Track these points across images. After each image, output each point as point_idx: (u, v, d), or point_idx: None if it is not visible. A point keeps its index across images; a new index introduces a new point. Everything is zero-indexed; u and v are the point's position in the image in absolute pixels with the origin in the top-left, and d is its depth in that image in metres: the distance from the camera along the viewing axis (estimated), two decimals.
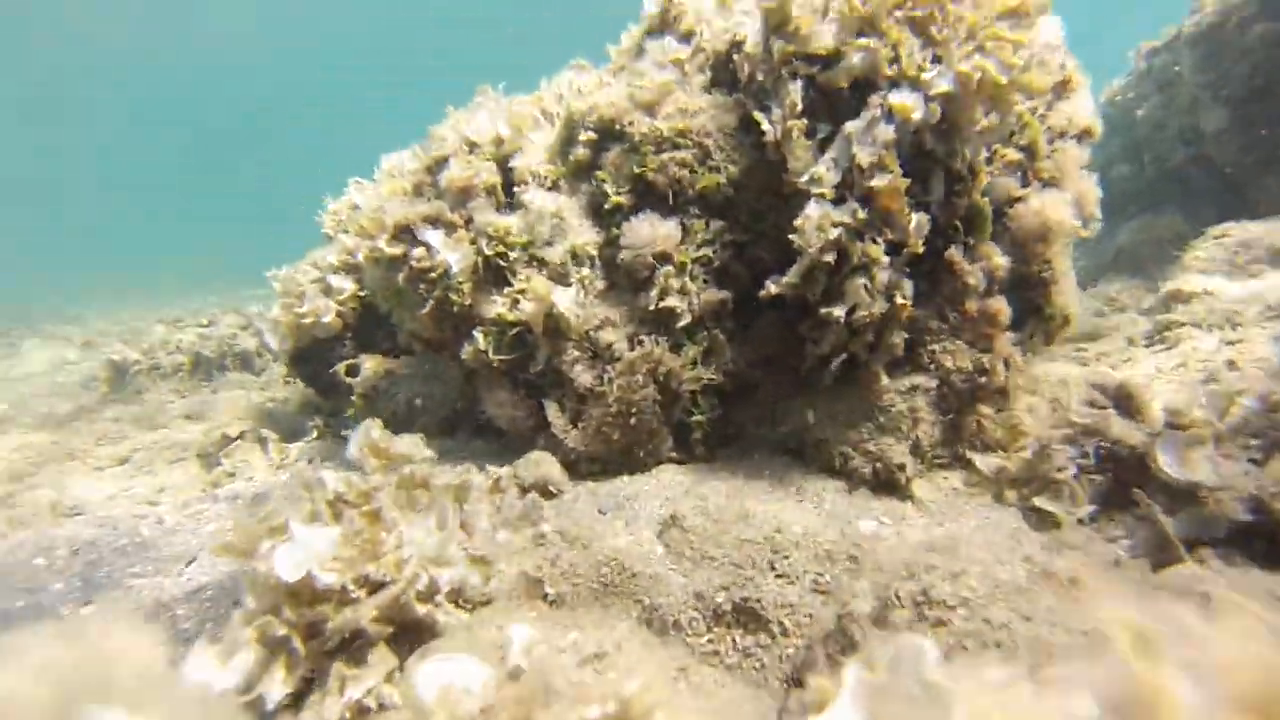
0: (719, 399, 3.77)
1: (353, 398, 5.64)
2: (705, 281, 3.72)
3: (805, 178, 3.22)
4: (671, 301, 3.56)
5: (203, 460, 5.89)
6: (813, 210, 3.13)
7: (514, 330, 3.68)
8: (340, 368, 5.55)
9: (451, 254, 3.64)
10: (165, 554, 3.41)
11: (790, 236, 3.37)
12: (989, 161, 3.70)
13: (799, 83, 3.26)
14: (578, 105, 3.85)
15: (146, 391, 9.12)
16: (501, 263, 3.72)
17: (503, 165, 4.01)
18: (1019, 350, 3.70)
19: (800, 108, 3.21)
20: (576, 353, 3.68)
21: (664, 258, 3.60)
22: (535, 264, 3.76)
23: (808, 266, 3.20)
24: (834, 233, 3.09)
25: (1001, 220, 3.78)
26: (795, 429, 3.72)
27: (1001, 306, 3.50)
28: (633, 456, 3.68)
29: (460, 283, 3.70)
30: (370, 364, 5.74)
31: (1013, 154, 3.82)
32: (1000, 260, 3.50)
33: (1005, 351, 3.52)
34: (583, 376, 3.67)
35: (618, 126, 3.75)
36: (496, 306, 3.70)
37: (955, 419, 3.49)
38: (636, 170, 3.68)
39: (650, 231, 3.60)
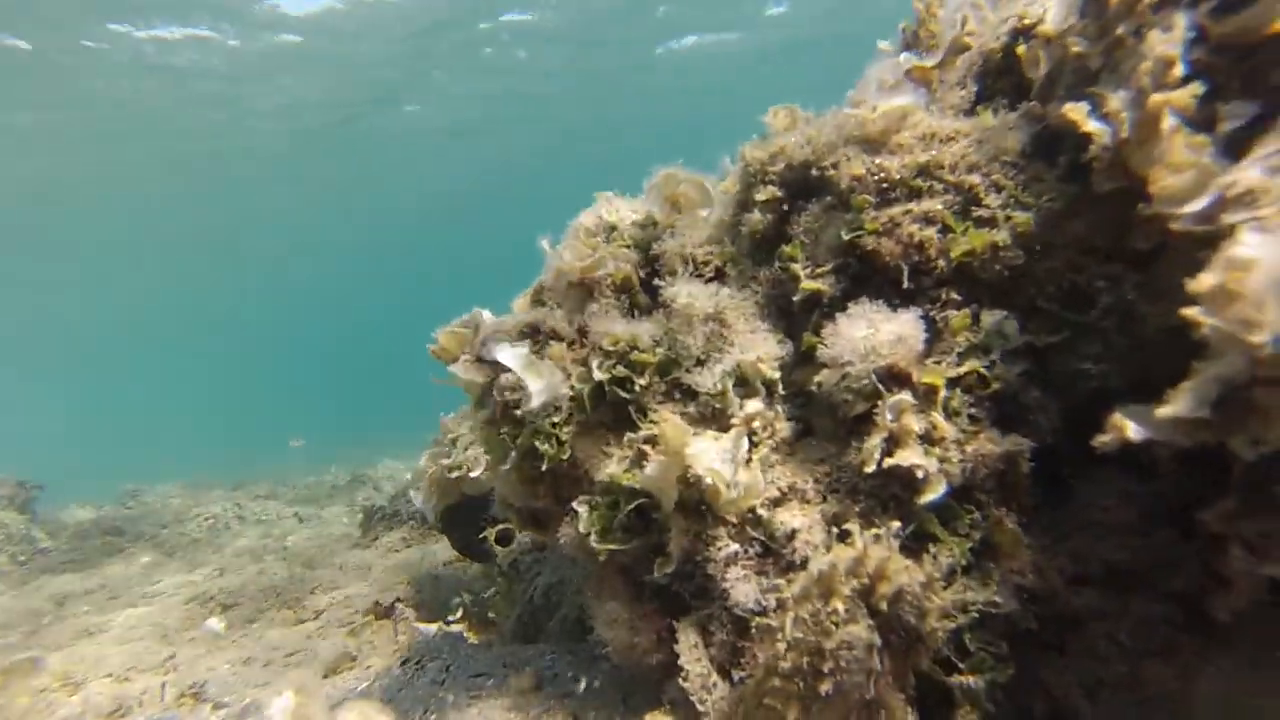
0: (1010, 646, 2.15)
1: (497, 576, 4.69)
2: (975, 420, 2.22)
3: (1198, 205, 1.71)
4: (909, 458, 2.10)
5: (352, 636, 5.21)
6: (1244, 251, 1.57)
7: (633, 504, 2.42)
8: (490, 534, 4.65)
9: (535, 381, 2.53)
10: None
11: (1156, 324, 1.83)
12: None
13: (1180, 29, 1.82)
14: (756, 153, 2.70)
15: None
16: (623, 394, 2.53)
17: (649, 255, 2.92)
18: None
19: (1177, 74, 1.75)
20: (733, 544, 2.28)
21: (896, 377, 2.18)
22: (678, 396, 2.52)
23: (1223, 383, 1.61)
24: None
25: None
26: None
27: None
28: None
29: (554, 425, 2.56)
30: (531, 533, 4.82)
31: None
32: None
33: None
34: (742, 589, 2.26)
35: (815, 172, 2.51)
36: (610, 465, 2.49)
37: None
38: (847, 236, 2.37)
39: (868, 333, 2.23)
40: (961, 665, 2.10)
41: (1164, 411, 1.70)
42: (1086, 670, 2.11)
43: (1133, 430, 1.75)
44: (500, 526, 4.56)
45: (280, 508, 11.87)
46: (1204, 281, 1.59)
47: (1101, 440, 1.81)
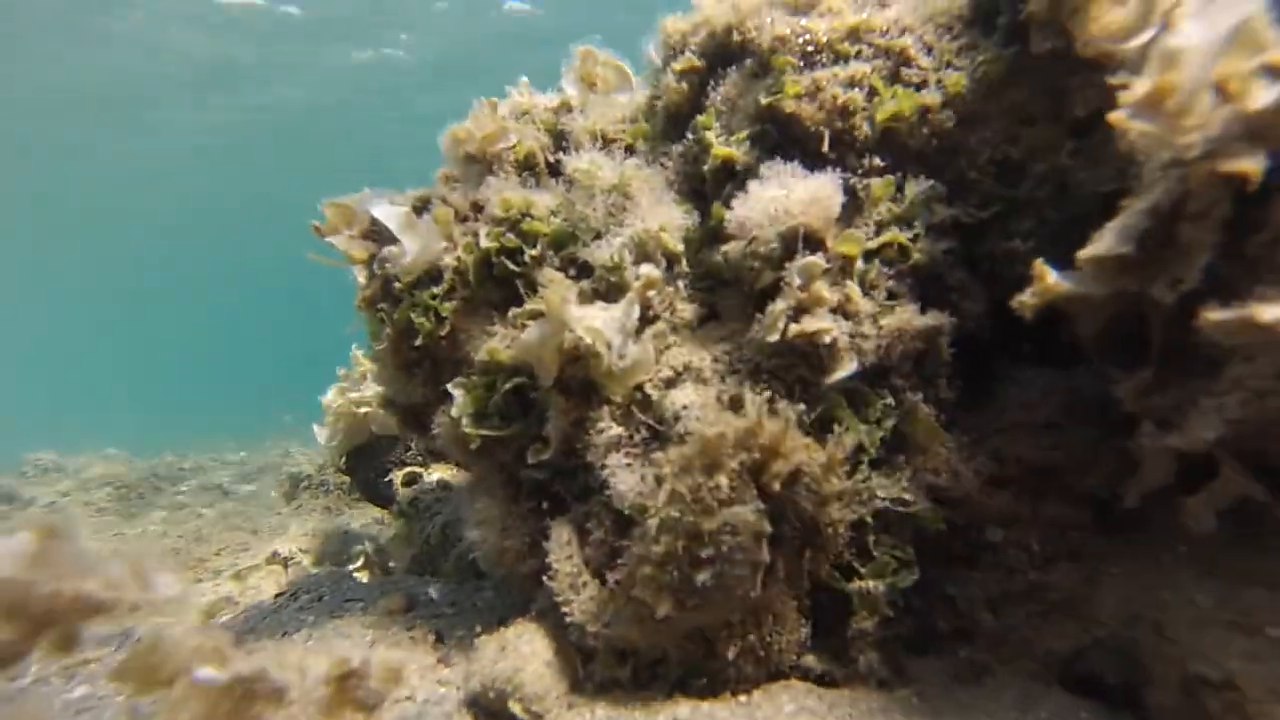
0: (916, 549, 1.87)
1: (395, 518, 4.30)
2: (893, 296, 1.95)
3: (1142, 37, 1.47)
4: (817, 324, 1.83)
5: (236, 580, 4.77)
6: (1177, 40, 1.33)
7: (511, 383, 2.10)
8: (397, 478, 4.26)
9: (411, 241, 2.19)
10: None
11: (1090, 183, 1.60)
12: None
13: None
14: (678, 25, 2.43)
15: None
16: (512, 266, 2.22)
17: (558, 137, 2.63)
18: None
19: None
20: (616, 428, 1.99)
21: (808, 241, 1.91)
22: (573, 273, 2.22)
23: (1150, 216, 1.37)
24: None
25: None
26: (1105, 628, 1.71)
27: None
28: (712, 656, 1.84)
29: (434, 298, 2.23)
30: (438, 472, 4.45)
31: None
32: None
33: None
34: (623, 479, 1.96)
35: (737, 36, 2.25)
36: (492, 342, 2.17)
37: None
38: (765, 100, 2.10)
39: (780, 194, 1.96)
40: (862, 570, 1.82)
41: (1088, 252, 1.45)
42: (993, 582, 1.85)
43: (1053, 278, 1.49)
44: (408, 470, 4.20)
45: (206, 479, 11.24)
46: (1136, 89, 1.35)
47: (1022, 300, 1.56)
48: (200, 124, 22.13)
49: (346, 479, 5.63)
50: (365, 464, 4.27)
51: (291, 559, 4.44)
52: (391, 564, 4.20)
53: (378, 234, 2.41)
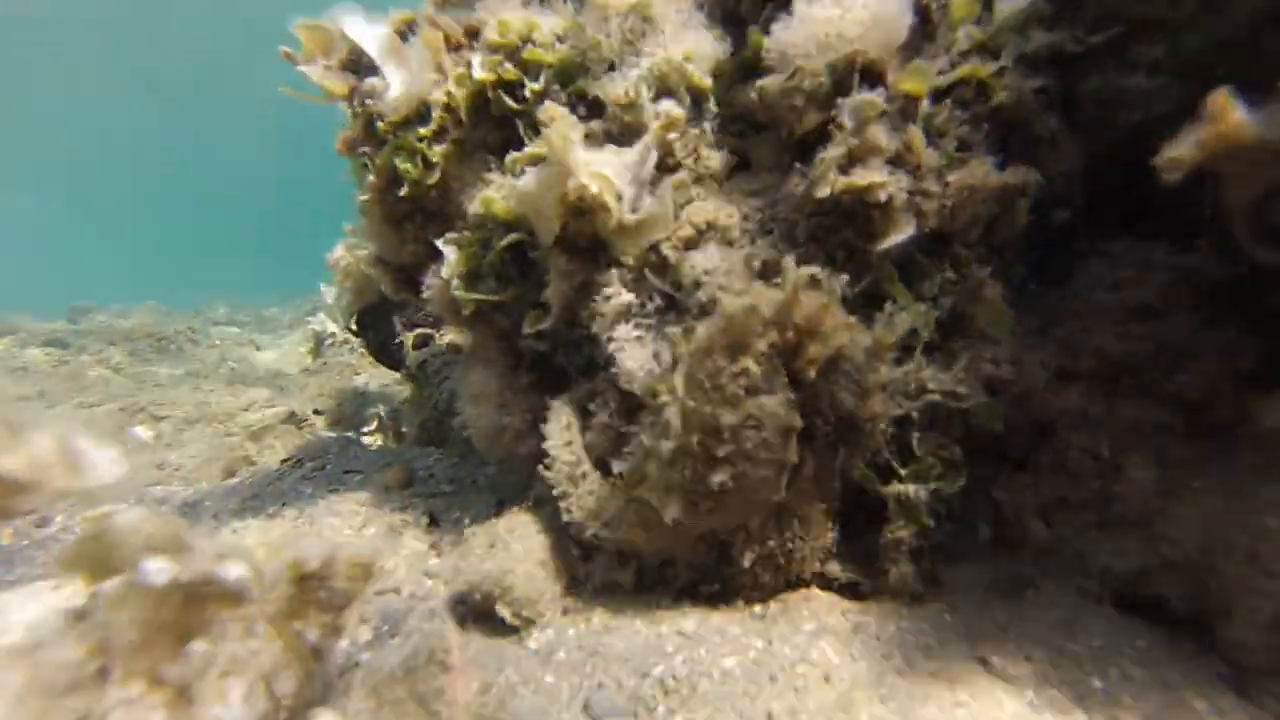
0: (964, 451, 1.60)
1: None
2: (965, 146, 1.58)
3: None
4: (870, 176, 1.47)
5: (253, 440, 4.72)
6: None
7: (509, 240, 1.79)
8: (407, 340, 4.03)
9: (394, 71, 1.82)
10: None
11: None
12: None
13: None
14: None
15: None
16: (511, 102, 1.86)
17: None
18: None
19: None
20: (626, 294, 1.69)
21: (864, 74, 1.52)
22: (582, 112, 1.85)
23: None
24: None
25: None
26: (1179, 549, 1.45)
27: None
28: (726, 562, 1.62)
29: (421, 139, 1.89)
30: (452, 335, 4.22)
31: None
32: None
33: None
34: (633, 354, 1.68)
35: None
36: (488, 191, 1.84)
37: None
38: None
39: (834, 15, 1.55)
40: (901, 472, 1.56)
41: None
42: (1049, 487, 1.57)
43: (1239, 115, 1.11)
44: (419, 331, 3.97)
45: (238, 334, 11.29)
46: None
47: (1175, 154, 1.18)
48: None
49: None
50: (376, 324, 4.04)
51: (305, 420, 4.33)
52: (404, 429, 4.06)
53: (359, 63, 2.04)
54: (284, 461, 3.11)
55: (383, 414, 4.21)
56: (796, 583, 1.64)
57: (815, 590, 1.63)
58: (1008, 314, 1.52)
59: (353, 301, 3.97)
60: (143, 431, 6.03)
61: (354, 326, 4.15)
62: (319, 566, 1.29)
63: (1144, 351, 1.47)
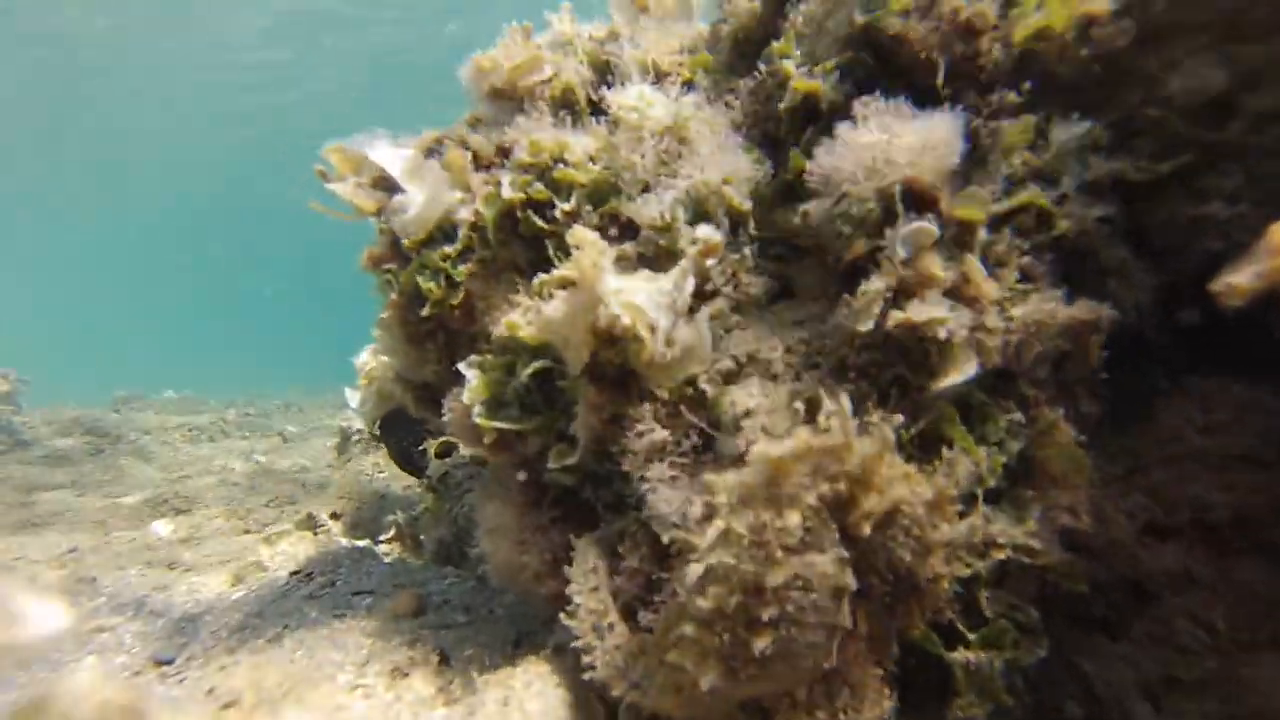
0: (1043, 613, 1.40)
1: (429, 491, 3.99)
2: (1027, 278, 1.46)
3: None
4: (926, 312, 1.35)
5: (267, 544, 4.58)
6: None
7: (534, 367, 1.68)
8: (431, 447, 3.92)
9: (416, 190, 1.77)
10: None
11: None
12: None
13: None
14: None
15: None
16: (540, 222, 1.78)
17: (604, 71, 2.16)
18: None
19: None
20: (660, 430, 1.55)
21: (916, 201, 1.42)
22: (614, 233, 1.77)
23: None
24: None
25: None
26: None
27: None
28: None
29: (445, 258, 1.82)
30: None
31: None
32: None
33: None
34: (666, 495, 1.53)
35: None
36: (513, 315, 1.74)
37: None
38: (861, 19, 1.60)
39: (881, 141, 1.46)
40: (970, 636, 1.37)
41: None
42: (1153, 662, 1.36)
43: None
44: (443, 440, 3.86)
45: (266, 423, 11.30)
46: None
47: (1232, 280, 1.05)
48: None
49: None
50: (399, 430, 3.94)
51: (320, 526, 4.18)
52: (422, 538, 3.89)
53: (390, 183, 2.00)
54: (293, 574, 2.94)
55: (401, 522, 4.05)
56: None
57: None
58: (1085, 459, 1.35)
59: (376, 407, 3.89)
60: (163, 527, 5.93)
61: (377, 431, 4.06)
62: None
63: (1256, 506, 1.29)
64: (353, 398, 3.96)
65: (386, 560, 3.34)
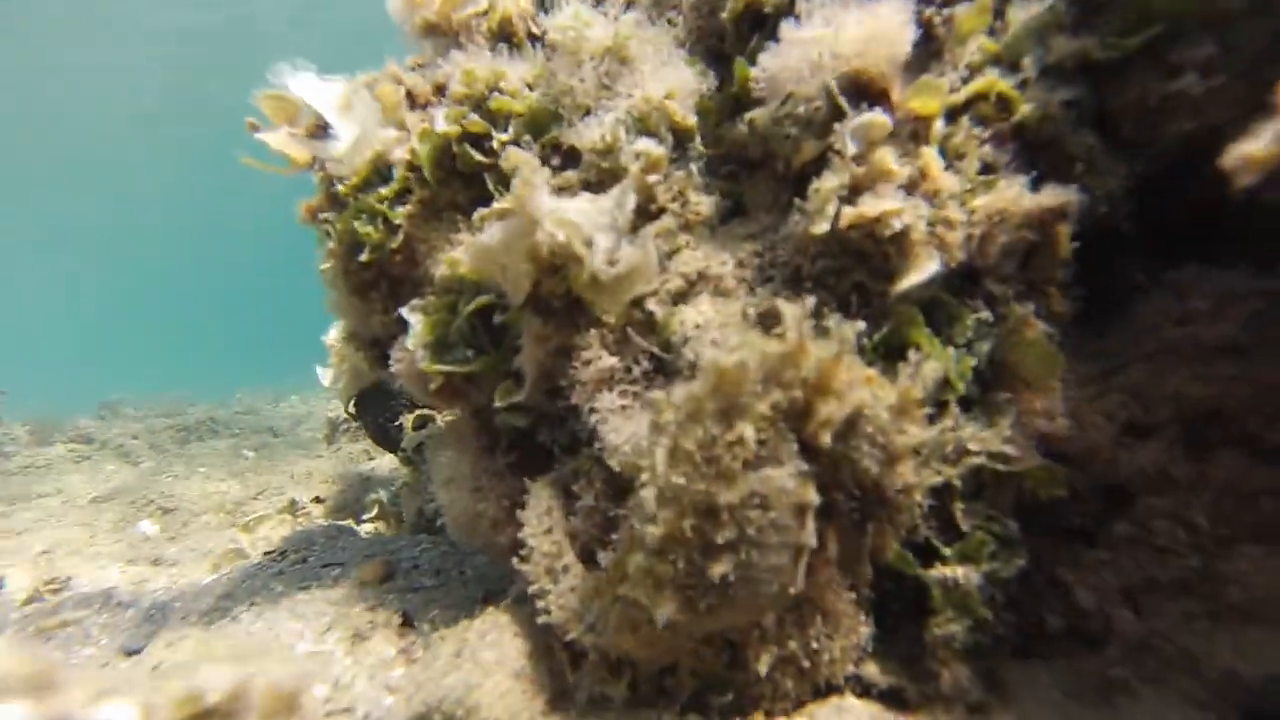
0: (1021, 523, 1.32)
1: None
2: (989, 169, 1.35)
3: None
4: (881, 205, 1.24)
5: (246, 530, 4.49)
6: None
7: (475, 303, 1.57)
8: (408, 421, 3.80)
9: (346, 126, 1.65)
10: None
11: None
12: None
13: None
14: None
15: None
16: (478, 156, 1.67)
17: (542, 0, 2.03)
18: None
19: None
20: (608, 357, 1.46)
21: (865, 93, 1.31)
22: (556, 163, 1.66)
23: None
24: None
25: None
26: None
27: None
28: (738, 666, 1.33)
29: (382, 199, 1.70)
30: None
31: None
32: None
33: None
34: (618, 426, 1.43)
35: None
36: (455, 252, 1.63)
37: None
38: None
39: (827, 35, 1.35)
40: (946, 552, 1.27)
41: None
42: (1132, 565, 1.28)
43: None
44: (419, 413, 3.74)
45: (256, 420, 11.16)
46: None
47: (1249, 151, 0.95)
48: None
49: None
50: (374, 407, 3.82)
51: (301, 509, 4.07)
52: (402, 512, 3.80)
53: (325, 130, 1.87)
54: (267, 554, 2.84)
55: (384, 499, 3.94)
56: (827, 689, 1.33)
57: (850, 698, 1.32)
58: (1058, 359, 1.25)
59: (349, 384, 3.77)
60: (148, 526, 5.81)
61: (352, 410, 3.94)
62: (223, 699, 1.02)
63: (1238, 396, 1.20)
64: (324, 375, 3.83)
65: (363, 535, 3.24)
